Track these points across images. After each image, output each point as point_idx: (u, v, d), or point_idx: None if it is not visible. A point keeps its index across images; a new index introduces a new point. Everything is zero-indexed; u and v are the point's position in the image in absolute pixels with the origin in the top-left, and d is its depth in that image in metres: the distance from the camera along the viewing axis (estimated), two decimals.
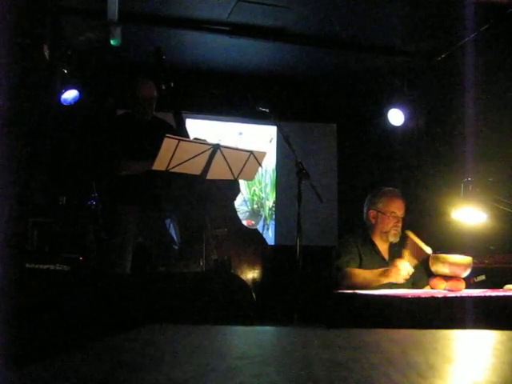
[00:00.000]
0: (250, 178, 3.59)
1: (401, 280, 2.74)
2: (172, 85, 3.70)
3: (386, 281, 2.77)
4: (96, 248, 4.21)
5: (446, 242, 4.27)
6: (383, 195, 3.16)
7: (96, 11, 4.44)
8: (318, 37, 5.16)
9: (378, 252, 3.13)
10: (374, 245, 3.13)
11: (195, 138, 3.65)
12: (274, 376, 0.67)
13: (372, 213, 3.15)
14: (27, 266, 3.43)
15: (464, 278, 2.63)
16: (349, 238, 3.17)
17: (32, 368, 0.68)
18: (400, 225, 3.11)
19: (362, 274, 2.90)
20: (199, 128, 5.84)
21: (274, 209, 6.42)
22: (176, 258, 3.72)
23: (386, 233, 3.09)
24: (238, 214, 4.64)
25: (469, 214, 2.93)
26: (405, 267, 2.73)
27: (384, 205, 3.12)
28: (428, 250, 2.74)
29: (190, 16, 4.80)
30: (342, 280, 2.93)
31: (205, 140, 3.83)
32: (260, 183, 6.43)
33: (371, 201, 3.19)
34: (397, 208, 3.11)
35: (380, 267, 2.90)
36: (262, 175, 6.42)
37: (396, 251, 3.13)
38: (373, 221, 3.14)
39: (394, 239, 3.10)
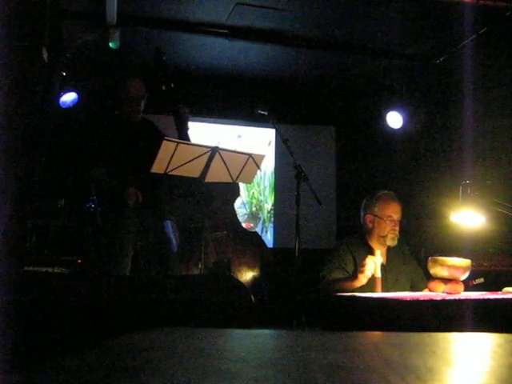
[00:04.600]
0: (248, 180, 3.58)
1: (368, 275, 2.74)
2: (172, 85, 3.69)
3: (358, 284, 2.77)
4: (95, 251, 4.20)
5: (444, 244, 4.28)
6: (379, 199, 3.15)
7: (95, 14, 4.45)
8: (316, 39, 5.17)
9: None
10: (371, 249, 3.13)
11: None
12: (272, 379, 0.67)
13: (369, 217, 3.14)
14: (26, 268, 3.43)
15: (463, 281, 2.64)
16: (342, 244, 3.16)
17: (31, 371, 0.68)
18: (397, 228, 3.10)
19: (338, 283, 2.92)
20: (198, 131, 5.84)
21: (272, 211, 6.41)
22: (175, 260, 3.71)
23: (384, 237, 3.09)
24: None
25: (467, 217, 2.93)
26: (368, 264, 2.74)
27: (380, 209, 3.11)
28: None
29: (188, 19, 4.80)
30: (322, 290, 2.96)
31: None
32: (259, 186, 6.43)
33: (367, 205, 3.18)
34: (393, 211, 3.10)
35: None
36: (261, 178, 6.42)
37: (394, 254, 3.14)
38: (370, 225, 3.14)
39: (391, 243, 3.10)
